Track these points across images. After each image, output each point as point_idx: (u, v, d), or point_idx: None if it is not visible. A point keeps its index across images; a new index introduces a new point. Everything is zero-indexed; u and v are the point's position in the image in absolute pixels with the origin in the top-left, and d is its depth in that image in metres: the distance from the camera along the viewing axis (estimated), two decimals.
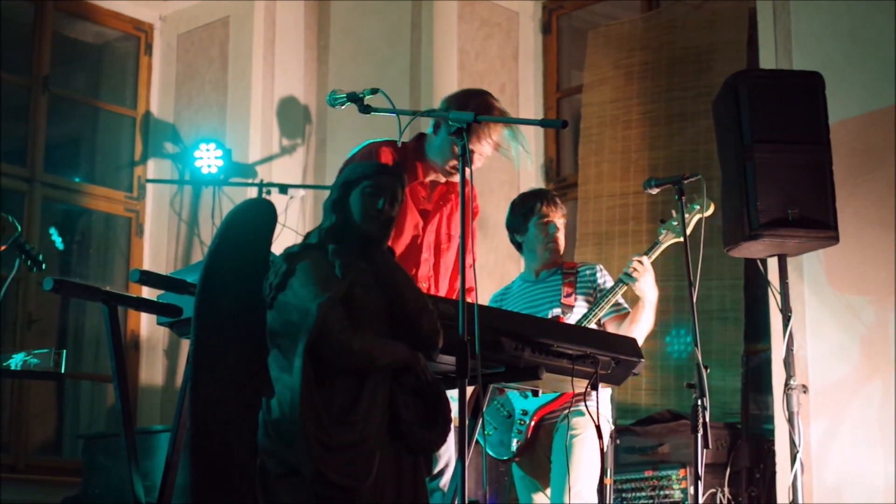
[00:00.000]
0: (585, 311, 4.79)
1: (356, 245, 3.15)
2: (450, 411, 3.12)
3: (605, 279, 4.90)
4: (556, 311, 4.83)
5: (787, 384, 5.00)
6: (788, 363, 5.02)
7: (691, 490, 5.47)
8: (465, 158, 3.27)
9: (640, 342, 4.77)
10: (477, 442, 3.83)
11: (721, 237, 5.25)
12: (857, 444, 5.50)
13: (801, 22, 5.97)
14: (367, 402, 2.98)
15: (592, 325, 4.76)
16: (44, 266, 3.98)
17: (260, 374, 3.06)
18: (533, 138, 7.69)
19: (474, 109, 3.97)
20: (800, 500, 4.87)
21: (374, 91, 3.75)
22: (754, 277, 6.16)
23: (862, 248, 5.57)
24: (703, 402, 4.15)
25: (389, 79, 6.97)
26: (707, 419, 4.15)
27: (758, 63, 6.20)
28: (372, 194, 3.15)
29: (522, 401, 4.82)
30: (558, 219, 4.94)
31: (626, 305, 4.83)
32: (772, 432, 5.76)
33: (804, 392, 5.17)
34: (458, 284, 4.41)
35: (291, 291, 3.01)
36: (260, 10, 7.84)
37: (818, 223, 4.97)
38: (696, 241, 4.46)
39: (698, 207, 4.76)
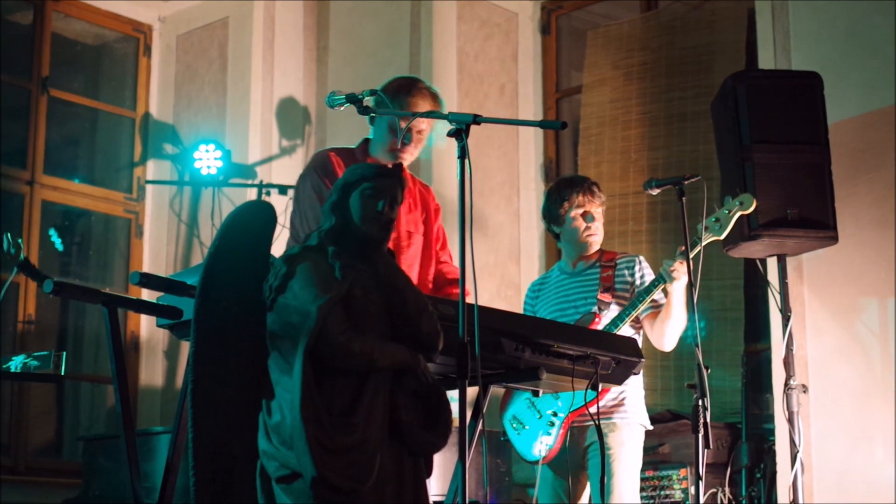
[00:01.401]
0: (622, 307, 4.74)
1: (356, 247, 3.15)
2: (450, 413, 3.12)
3: (643, 272, 4.82)
4: (594, 307, 4.80)
5: (787, 384, 5.01)
6: (788, 363, 5.03)
7: (692, 490, 5.49)
8: (464, 161, 3.25)
9: (676, 337, 4.75)
10: (478, 442, 3.83)
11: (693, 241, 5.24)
12: (858, 443, 5.50)
13: (799, 22, 5.97)
14: (368, 404, 2.98)
15: (628, 325, 4.72)
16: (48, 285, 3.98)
17: (260, 377, 3.06)
18: (532, 139, 7.70)
19: (403, 94, 4.05)
20: (800, 500, 4.88)
21: (374, 92, 3.76)
22: (754, 277, 6.16)
23: (861, 248, 5.58)
24: (703, 402, 4.15)
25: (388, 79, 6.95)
26: (708, 419, 4.15)
27: (757, 63, 6.20)
28: (372, 196, 3.15)
29: (554, 402, 4.76)
30: (596, 208, 4.84)
31: (663, 301, 4.76)
32: (772, 432, 5.76)
33: (804, 392, 5.18)
34: (429, 277, 4.40)
35: (291, 293, 3.01)
36: (259, 11, 7.84)
37: (817, 223, 4.98)
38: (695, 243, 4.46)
39: (740, 204, 4.72)
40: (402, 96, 4.16)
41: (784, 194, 4.96)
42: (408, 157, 4.25)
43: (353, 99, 3.84)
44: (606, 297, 4.76)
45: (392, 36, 7.41)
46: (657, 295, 4.69)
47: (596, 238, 4.87)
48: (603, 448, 4.30)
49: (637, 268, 4.83)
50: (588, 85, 7.37)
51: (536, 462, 4.74)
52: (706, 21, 6.96)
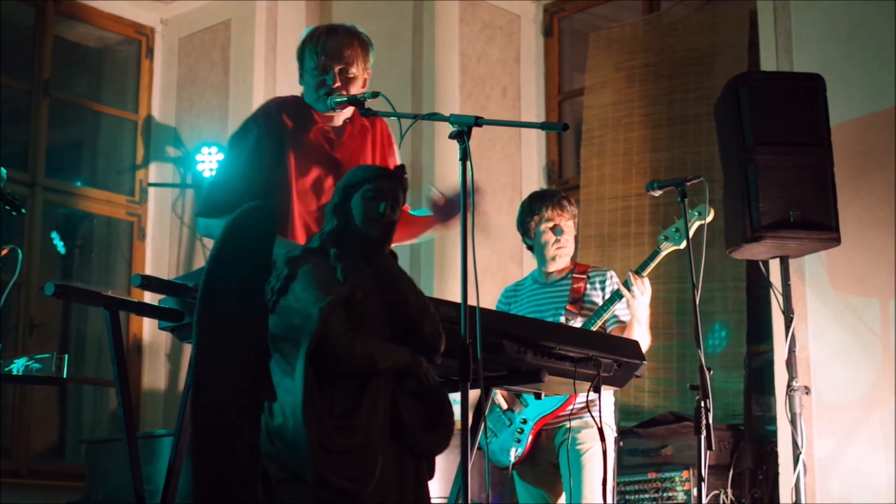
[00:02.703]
0: (588, 318, 4.78)
1: (358, 249, 3.15)
2: (452, 414, 3.12)
3: (613, 287, 4.86)
4: (562, 318, 4.82)
5: (789, 385, 5.01)
6: (791, 365, 5.03)
7: (695, 492, 5.49)
8: (466, 163, 3.25)
9: None
10: (479, 446, 3.83)
11: (723, 239, 5.26)
12: (860, 445, 5.50)
13: (801, 24, 5.97)
14: (370, 406, 2.98)
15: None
16: (23, 210, 3.96)
17: (262, 379, 3.05)
18: (535, 141, 7.70)
19: (318, 38, 3.90)
20: (803, 502, 4.87)
21: (375, 94, 3.74)
22: (756, 279, 6.16)
23: (863, 250, 5.57)
24: (706, 403, 4.16)
25: (391, 82, 6.95)
26: (710, 421, 4.15)
27: (759, 65, 6.20)
28: (373, 198, 3.15)
29: (523, 409, 4.80)
30: (565, 222, 4.89)
31: (624, 317, 4.80)
32: (774, 433, 5.76)
33: (807, 393, 5.17)
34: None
35: (293, 295, 3.01)
36: (261, 12, 7.84)
37: (820, 225, 4.98)
38: (697, 244, 4.46)
39: (697, 214, 4.75)
40: (313, 45, 3.94)
41: (786, 196, 4.96)
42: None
43: (354, 101, 3.83)
44: (574, 309, 4.81)
45: (394, 38, 7.41)
46: (621, 311, 4.75)
47: (565, 251, 4.93)
48: (574, 444, 4.41)
49: (608, 283, 4.88)
50: (590, 87, 7.36)
51: (507, 467, 4.78)
52: (708, 23, 6.96)
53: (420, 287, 3.21)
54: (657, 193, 4.66)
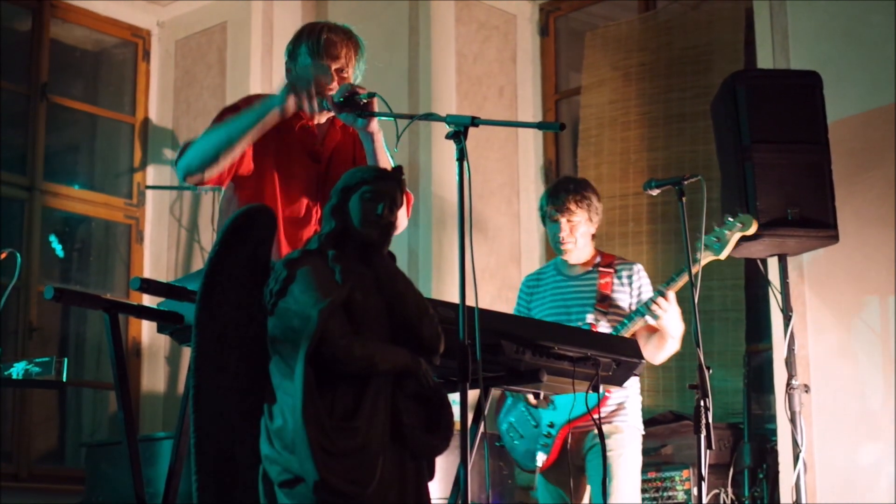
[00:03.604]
0: (617, 318, 4.76)
1: (356, 250, 3.15)
2: (452, 415, 3.12)
3: (640, 282, 4.85)
4: (591, 317, 4.79)
5: (788, 384, 5.01)
6: (790, 363, 5.03)
7: (695, 491, 5.50)
8: (463, 163, 3.25)
9: (665, 358, 4.78)
10: (480, 445, 3.83)
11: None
12: (860, 443, 5.50)
13: (798, 21, 5.97)
14: (369, 408, 2.98)
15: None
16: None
17: (261, 381, 3.05)
18: (532, 140, 7.70)
19: (316, 35, 3.84)
20: (803, 500, 4.88)
21: (372, 95, 3.73)
22: (755, 277, 6.16)
23: (862, 247, 5.58)
24: (705, 402, 4.16)
25: (387, 82, 6.95)
26: (710, 420, 4.15)
27: (755, 63, 6.21)
28: (371, 199, 3.14)
29: (550, 412, 4.78)
30: (564, 217, 4.85)
31: (653, 321, 4.77)
32: (774, 432, 5.76)
33: (806, 392, 5.18)
34: None
35: (292, 298, 3.01)
36: (257, 14, 7.84)
37: (818, 222, 4.98)
38: (695, 242, 4.46)
39: (740, 225, 4.73)
40: (311, 41, 3.89)
41: (784, 194, 4.97)
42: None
43: (351, 101, 3.81)
44: (603, 307, 4.78)
45: (390, 39, 7.42)
46: (647, 318, 4.74)
47: (568, 247, 4.88)
48: (605, 451, 4.32)
49: (635, 278, 4.84)
50: (587, 86, 7.37)
51: (534, 470, 4.75)
52: (704, 21, 6.96)
53: (418, 288, 3.21)
54: (655, 192, 4.65)
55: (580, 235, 4.88)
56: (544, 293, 4.96)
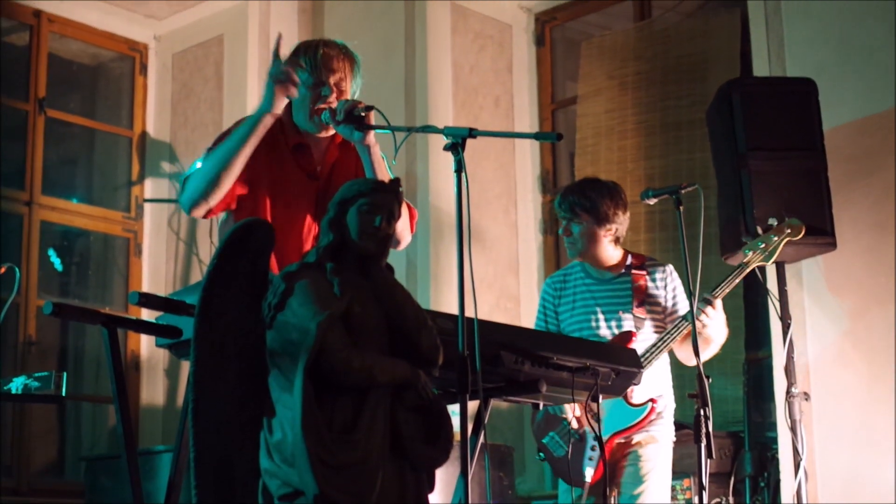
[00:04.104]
0: (658, 321, 4.75)
1: (354, 263, 3.15)
2: (451, 427, 3.12)
3: (675, 284, 4.83)
4: (629, 323, 4.75)
5: (788, 392, 5.01)
6: (789, 370, 5.03)
7: (696, 500, 5.49)
8: (461, 175, 3.25)
9: (707, 357, 4.75)
10: (480, 456, 3.83)
11: (718, 245, 5.26)
12: (861, 450, 5.49)
13: (793, 28, 5.98)
14: (369, 420, 2.98)
15: (664, 354, 4.73)
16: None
17: (261, 395, 3.06)
18: (529, 150, 7.71)
19: (314, 50, 3.90)
20: None
21: (370, 108, 3.74)
22: (753, 285, 6.16)
23: (860, 254, 5.58)
24: (705, 411, 4.15)
25: (384, 93, 6.96)
26: (710, 429, 4.15)
27: (751, 71, 6.21)
28: (369, 212, 3.15)
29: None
30: (573, 224, 4.81)
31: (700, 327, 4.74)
32: (775, 440, 5.76)
33: (806, 399, 5.17)
34: None
35: (290, 311, 3.01)
36: (254, 27, 7.85)
37: (815, 229, 4.98)
38: (693, 251, 4.46)
39: (789, 230, 4.75)
40: (309, 56, 3.93)
41: (781, 201, 4.96)
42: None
43: (350, 116, 3.82)
44: (641, 313, 4.75)
45: (387, 49, 7.43)
46: (683, 309, 4.73)
47: (571, 251, 4.88)
48: (640, 460, 4.39)
49: (669, 280, 4.83)
50: (583, 95, 7.38)
51: (582, 485, 4.69)
52: (700, 29, 6.98)
53: (417, 299, 3.21)
54: (652, 201, 4.65)
55: (585, 238, 4.81)
56: (572, 295, 4.90)
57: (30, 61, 7.85)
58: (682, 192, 4.45)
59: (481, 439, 3.70)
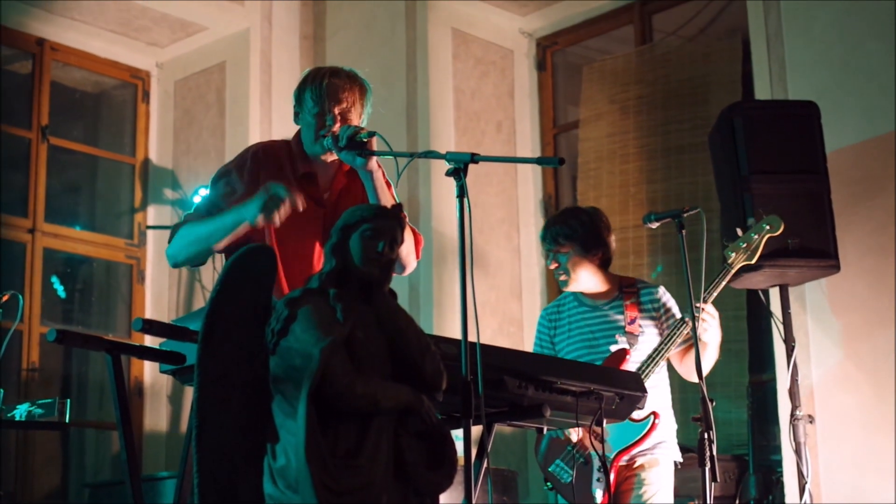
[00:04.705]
0: (652, 340, 4.73)
1: (357, 288, 3.15)
2: (455, 452, 3.11)
3: (669, 300, 4.83)
4: (622, 341, 4.77)
5: (793, 414, 5.00)
6: (794, 393, 5.02)
7: None
8: (464, 200, 3.26)
9: (707, 370, 4.74)
10: (484, 481, 3.81)
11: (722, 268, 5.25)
12: (865, 472, 5.48)
13: (794, 52, 5.99)
14: (372, 446, 2.97)
15: (663, 363, 4.72)
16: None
17: (264, 420, 3.05)
18: (531, 175, 7.72)
19: (320, 79, 3.91)
20: None
21: (372, 133, 3.76)
22: (756, 308, 6.16)
23: (863, 276, 5.58)
24: (709, 434, 4.14)
25: (386, 119, 6.97)
26: (714, 452, 4.13)
27: (753, 94, 6.22)
28: (371, 237, 3.15)
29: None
30: (559, 254, 4.84)
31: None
32: (780, 463, 5.74)
33: (811, 422, 5.16)
34: None
35: (293, 337, 3.01)
36: (256, 54, 7.88)
37: (819, 252, 4.98)
38: (696, 273, 4.46)
39: (768, 227, 4.75)
40: (315, 85, 3.94)
41: (784, 224, 4.96)
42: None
43: (353, 143, 3.83)
44: (634, 330, 4.75)
45: (388, 76, 7.45)
46: (688, 329, 4.68)
47: (562, 281, 4.88)
48: (642, 485, 4.47)
49: (664, 297, 4.83)
50: (585, 120, 7.40)
51: None
52: (701, 53, 7.00)
53: (420, 324, 3.21)
54: (655, 225, 4.65)
55: (573, 266, 4.83)
56: (567, 325, 4.91)
57: (33, 89, 7.87)
58: (685, 215, 4.45)
59: (485, 464, 3.69)
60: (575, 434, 4.72)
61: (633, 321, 4.76)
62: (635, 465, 4.68)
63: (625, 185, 7.04)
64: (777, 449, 5.88)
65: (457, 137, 7.43)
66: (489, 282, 7.29)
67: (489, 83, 7.74)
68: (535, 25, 7.86)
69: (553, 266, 4.88)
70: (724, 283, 4.75)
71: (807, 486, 4.87)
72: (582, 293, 4.91)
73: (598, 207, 5.10)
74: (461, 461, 3.11)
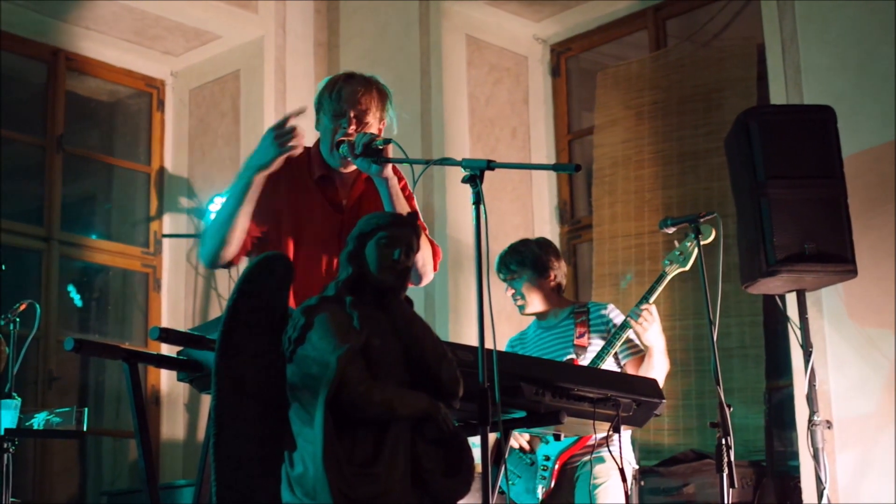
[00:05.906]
0: (600, 349, 4.81)
1: (373, 296, 3.16)
2: (472, 459, 3.11)
3: (618, 316, 4.92)
4: (570, 354, 4.85)
5: (810, 420, 4.98)
6: (811, 399, 5.00)
7: None
8: (479, 207, 3.26)
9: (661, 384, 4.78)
10: (501, 490, 3.81)
11: (738, 274, 5.24)
12: (884, 477, 5.45)
13: (810, 56, 5.98)
14: (389, 453, 2.97)
15: (609, 363, 4.79)
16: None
17: (281, 428, 3.06)
18: (546, 181, 7.71)
19: (336, 84, 3.92)
20: None
21: (388, 141, 3.75)
22: (773, 313, 6.14)
23: (880, 281, 5.55)
24: (727, 440, 4.14)
25: (400, 127, 6.95)
26: (732, 458, 4.13)
27: (768, 99, 6.21)
28: (387, 245, 3.15)
29: (544, 447, 4.82)
30: (507, 283, 5.09)
31: (639, 344, 4.84)
32: (797, 469, 5.72)
33: (828, 427, 5.14)
34: None
35: (310, 344, 3.01)
36: (270, 62, 7.89)
37: (835, 257, 4.96)
38: (713, 279, 4.45)
39: (701, 236, 4.76)
40: (331, 90, 3.95)
41: (801, 229, 4.95)
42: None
43: (368, 149, 3.82)
44: (583, 343, 4.85)
45: (402, 83, 7.44)
46: (632, 335, 4.82)
47: (519, 306, 5.10)
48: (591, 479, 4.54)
49: (612, 314, 4.96)
50: (599, 126, 7.39)
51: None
52: (715, 58, 6.98)
53: (436, 331, 3.21)
54: (671, 231, 4.66)
55: (527, 291, 5.06)
56: (528, 348, 5.09)
57: (47, 99, 7.90)
58: (701, 220, 4.45)
59: (502, 471, 3.69)
60: (523, 440, 4.87)
61: (581, 335, 4.89)
62: (583, 462, 4.72)
63: (640, 191, 7.03)
64: (794, 454, 5.85)
65: (471, 144, 7.43)
66: (504, 288, 7.28)
67: (503, 89, 7.74)
68: (549, 31, 7.86)
69: (510, 293, 5.09)
70: (660, 288, 4.84)
71: (825, 492, 4.85)
72: (538, 318, 5.09)
73: (546, 238, 5.44)
74: (478, 468, 3.11)
